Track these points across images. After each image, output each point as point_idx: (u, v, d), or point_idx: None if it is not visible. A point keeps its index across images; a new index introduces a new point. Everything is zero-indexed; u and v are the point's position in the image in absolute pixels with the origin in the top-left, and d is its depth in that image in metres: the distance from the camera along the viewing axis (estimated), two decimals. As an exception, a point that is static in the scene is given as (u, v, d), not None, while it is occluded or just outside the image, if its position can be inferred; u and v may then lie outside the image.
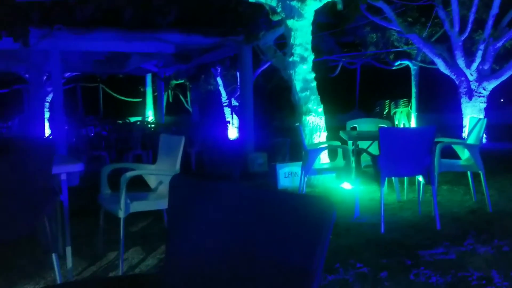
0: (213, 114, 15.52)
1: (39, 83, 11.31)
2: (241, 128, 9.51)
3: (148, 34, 8.13)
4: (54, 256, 2.40)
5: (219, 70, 13.84)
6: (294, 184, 6.00)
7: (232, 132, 13.64)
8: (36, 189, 2.31)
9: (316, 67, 6.62)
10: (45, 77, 12.55)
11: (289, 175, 6.02)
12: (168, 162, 3.68)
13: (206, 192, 1.33)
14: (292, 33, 6.29)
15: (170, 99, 19.63)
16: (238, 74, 13.54)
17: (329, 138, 6.45)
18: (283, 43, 7.33)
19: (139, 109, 19.86)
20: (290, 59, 6.31)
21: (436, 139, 4.27)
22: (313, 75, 6.40)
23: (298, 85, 6.33)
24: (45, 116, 13.32)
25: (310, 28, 6.35)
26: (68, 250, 3.00)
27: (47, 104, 14.41)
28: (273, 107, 14.40)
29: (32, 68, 11.10)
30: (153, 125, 11.38)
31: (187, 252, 1.31)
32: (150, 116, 16.13)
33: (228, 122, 13.71)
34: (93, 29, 7.55)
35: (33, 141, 5.11)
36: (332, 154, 5.99)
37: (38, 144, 4.25)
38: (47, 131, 12.09)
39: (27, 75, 13.13)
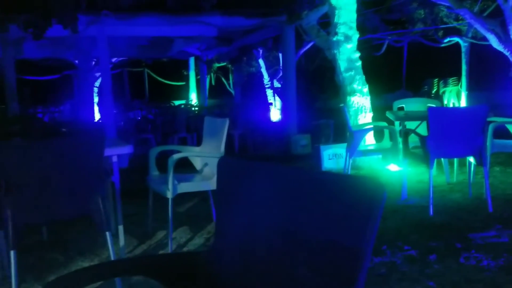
0: (255, 96, 15.52)
1: (88, 69, 11.68)
2: (283, 110, 9.47)
3: (190, 18, 8.19)
4: (108, 234, 2.50)
5: (261, 52, 13.77)
6: (338, 166, 5.95)
7: (274, 114, 13.62)
8: (90, 170, 2.41)
9: (360, 46, 6.47)
10: (93, 63, 12.94)
11: (333, 157, 5.97)
12: (213, 144, 3.73)
13: (254, 173, 1.34)
14: (336, 11, 6.15)
15: (213, 82, 19.80)
16: (280, 55, 13.46)
17: (374, 119, 6.32)
18: (326, 22, 7.19)
19: (183, 92, 20.16)
20: (334, 39, 6.19)
21: (488, 119, 4.09)
22: (358, 54, 6.26)
23: (342, 65, 6.21)
24: (94, 101, 13.75)
25: (355, 6, 6.19)
26: (120, 229, 3.12)
27: (95, 89, 14.86)
28: (315, 88, 14.22)
29: (80, 54, 11.45)
30: (196, 108, 11.53)
31: (236, 232, 1.34)
32: (193, 99, 16.35)
33: (271, 104, 13.68)
34: (138, 14, 7.68)
35: (85, 124, 5.32)
36: (378, 135, 5.88)
37: (91, 128, 4.41)
38: (97, 115, 12.50)
39: (76, 61, 13.59)
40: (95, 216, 2.47)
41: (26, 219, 2.33)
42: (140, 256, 2.88)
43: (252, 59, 14.77)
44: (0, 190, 2.48)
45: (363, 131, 5.29)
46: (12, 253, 2.25)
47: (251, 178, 1.35)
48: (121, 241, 3.14)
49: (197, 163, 3.93)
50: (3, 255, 2.76)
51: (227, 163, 1.39)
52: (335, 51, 6.24)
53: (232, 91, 19.72)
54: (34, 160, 2.27)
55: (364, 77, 6.26)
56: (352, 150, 4.91)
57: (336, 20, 6.17)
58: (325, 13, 7.00)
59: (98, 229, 2.50)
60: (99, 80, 15.39)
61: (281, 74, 13.55)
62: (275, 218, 1.27)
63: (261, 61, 14.18)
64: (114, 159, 3.07)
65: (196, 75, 16.75)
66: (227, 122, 3.59)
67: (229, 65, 17.61)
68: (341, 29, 6.15)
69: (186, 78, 17.92)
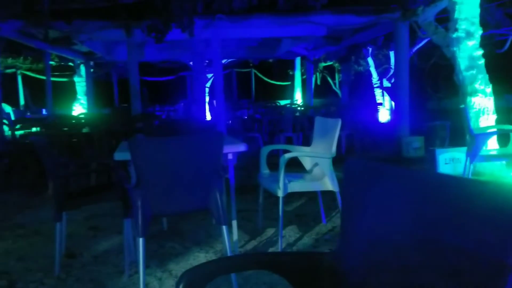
0: (363, 96, 15.13)
1: (201, 70, 12.30)
2: (394, 110, 9.09)
3: (300, 18, 8.21)
4: (224, 228, 2.60)
5: (370, 50, 13.39)
6: (456, 171, 5.55)
7: (384, 115, 13.16)
8: (211, 167, 2.53)
9: (481, 43, 5.97)
10: (205, 64, 13.61)
11: (450, 162, 5.59)
12: (324, 145, 3.70)
13: (382, 175, 1.30)
14: (457, 6, 5.75)
15: (318, 82, 19.70)
16: (391, 53, 12.95)
17: (498, 121, 5.80)
18: (444, 18, 6.76)
19: (288, 92, 20.36)
20: (454, 35, 5.79)
21: None
22: (480, 51, 5.79)
23: (462, 63, 5.79)
24: (206, 100, 14.44)
25: (478, 0, 5.73)
26: (234, 223, 3.24)
27: (207, 90, 15.61)
28: (429, 87, 13.45)
29: (195, 56, 12.10)
30: (302, 108, 11.56)
31: (361, 235, 1.30)
32: (298, 99, 16.42)
33: (380, 104, 13.24)
34: (250, 16, 7.90)
35: (201, 123, 5.62)
36: (503, 139, 5.38)
37: (206, 126, 4.63)
38: (208, 114, 13.11)
39: (191, 63, 14.39)
40: (214, 210, 2.59)
41: (153, 210, 2.51)
42: (269, 252, 2.96)
43: (360, 57, 14.42)
44: (128, 182, 2.71)
45: (486, 135, 4.88)
46: (140, 240, 2.45)
47: (379, 181, 1.31)
48: (235, 235, 3.26)
49: (307, 163, 3.93)
50: (130, 242, 3.01)
51: (354, 165, 1.37)
52: (455, 49, 5.83)
53: (338, 91, 19.45)
54: (163, 156, 2.44)
55: (487, 76, 5.78)
56: (473, 154, 4.56)
57: (456, 15, 5.77)
58: (444, 8, 6.59)
59: (216, 223, 2.61)
60: (209, 81, 16.17)
61: (391, 73, 13.06)
62: (404, 223, 1.22)
63: (370, 60, 13.79)
64: (230, 156, 3.19)
65: (302, 74, 16.81)
66: (339, 123, 3.54)
67: (336, 64, 17.39)
68: (462, 25, 5.74)
69: (291, 78, 18.07)
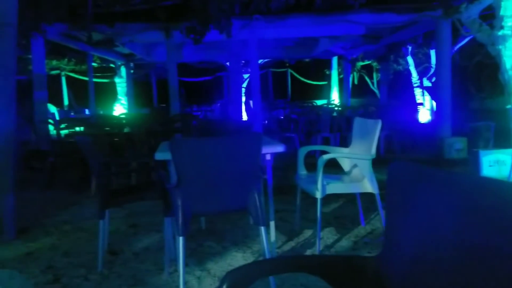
0: (402, 95, 14.81)
1: (237, 70, 12.38)
2: (436, 110, 8.86)
3: (338, 17, 8.14)
4: (262, 229, 2.60)
5: (410, 49, 13.09)
6: (500, 174, 5.35)
7: (424, 115, 12.84)
8: (250, 167, 2.54)
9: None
10: (241, 64, 13.69)
11: (494, 164, 5.39)
12: (363, 146, 3.64)
13: (429, 179, 1.27)
14: (502, 3, 5.53)
15: (356, 81, 19.45)
16: (431, 52, 12.63)
17: (547, 122, 5.54)
18: (488, 15, 6.53)
19: (324, 92, 20.20)
20: (500, 33, 5.58)
21: None
22: (528, 49, 5.56)
23: (508, 61, 5.57)
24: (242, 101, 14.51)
25: (525, -5, 5.50)
26: (272, 224, 3.24)
27: (243, 90, 15.69)
28: (471, 87, 13.03)
29: (231, 56, 12.19)
30: (339, 108, 11.44)
31: (407, 240, 1.28)
32: (335, 99, 16.26)
33: (420, 104, 12.92)
34: (287, 16, 7.89)
35: (238, 123, 5.65)
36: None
37: (248, 127, 4.65)
38: (244, 114, 13.17)
39: (227, 63, 14.51)
40: (252, 211, 2.60)
41: (193, 209, 2.55)
42: (313, 256, 2.95)
43: (400, 56, 14.13)
44: (168, 182, 2.76)
45: (534, 136, 4.68)
46: (180, 239, 2.49)
47: (425, 184, 1.28)
48: (272, 236, 3.26)
49: (346, 164, 3.88)
50: (170, 240, 3.07)
51: (399, 168, 1.34)
52: (500, 47, 5.62)
53: (376, 90, 19.13)
54: (203, 156, 2.47)
55: (535, 75, 5.53)
56: (520, 156, 4.38)
57: (502, 12, 5.55)
58: (489, 5, 6.36)
59: (254, 223, 2.62)
60: (246, 81, 16.25)
61: (431, 72, 12.73)
62: (451, 228, 1.18)
63: (409, 59, 13.49)
64: (268, 157, 3.20)
65: (339, 74, 16.63)
66: (379, 124, 3.47)
67: (374, 64, 17.11)
68: (508, 22, 5.52)
69: (328, 78, 17.91)
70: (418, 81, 13.65)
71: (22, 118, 8.02)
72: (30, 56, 8.80)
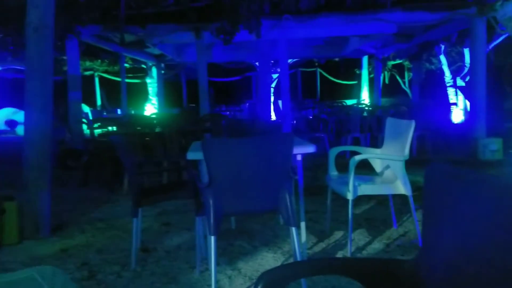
0: (435, 95, 14.50)
1: (266, 70, 12.39)
2: (470, 110, 8.63)
3: (369, 16, 8.04)
4: (294, 229, 2.60)
5: (442, 48, 12.81)
6: (539, 176, 5.18)
7: (457, 115, 12.53)
8: (281, 168, 2.54)
9: None
10: (270, 64, 13.69)
11: (533, 165, 5.22)
12: (396, 147, 3.58)
13: (468, 182, 1.24)
14: (542, -1, 5.36)
15: (386, 81, 19.17)
16: (465, 50, 12.32)
17: None
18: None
19: (354, 91, 19.98)
20: (539, 30, 5.40)
21: None
22: None
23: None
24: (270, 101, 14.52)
25: None
26: (302, 225, 3.23)
27: (271, 90, 15.69)
28: (507, 86, 12.63)
29: (261, 56, 12.21)
30: (370, 108, 11.29)
31: (444, 245, 1.25)
32: (365, 98, 16.06)
33: (453, 103, 12.63)
34: (317, 15, 7.85)
35: (267, 123, 5.67)
36: None
37: (277, 127, 4.65)
38: (272, 114, 13.17)
39: (256, 63, 14.54)
40: (283, 212, 2.60)
41: (224, 209, 2.57)
42: (348, 258, 2.93)
43: (432, 55, 13.84)
44: (199, 181, 2.79)
45: None
46: (212, 238, 2.51)
47: (464, 187, 1.25)
48: (303, 237, 3.25)
49: (378, 165, 3.83)
50: (201, 239, 3.10)
51: (436, 170, 1.31)
52: (540, 44, 5.44)
53: (408, 90, 18.80)
54: (235, 156, 2.49)
55: None
56: (560, 158, 4.22)
57: (541, 8, 5.37)
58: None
59: (285, 224, 2.62)
60: (274, 81, 16.24)
61: (465, 71, 12.42)
62: (491, 233, 1.15)
63: (442, 58, 13.21)
64: (298, 157, 3.19)
65: (369, 73, 16.43)
66: (413, 124, 3.41)
67: (406, 63, 16.82)
68: (548, 19, 5.34)
69: (358, 77, 17.72)
70: (451, 81, 13.35)
71: (57, 118, 8.25)
72: (65, 57, 9.05)
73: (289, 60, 15.81)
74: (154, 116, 9.98)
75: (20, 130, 14.55)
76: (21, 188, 3.95)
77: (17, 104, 15.29)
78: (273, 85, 16.20)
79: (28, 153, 3.94)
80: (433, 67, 15.14)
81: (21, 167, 3.97)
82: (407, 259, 1.27)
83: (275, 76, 16.04)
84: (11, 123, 15.56)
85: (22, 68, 13.99)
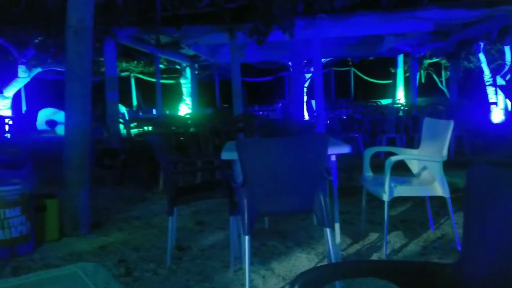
0: (474, 94, 14.08)
1: (299, 70, 12.34)
2: (511, 110, 8.34)
3: (405, 14, 7.89)
4: (328, 230, 2.58)
5: (482, 45, 12.42)
6: None
7: (497, 115, 12.12)
8: (315, 168, 2.53)
9: None
10: (303, 64, 13.63)
11: None
12: (433, 148, 3.50)
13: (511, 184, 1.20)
14: None
15: (423, 80, 18.76)
16: (505, 48, 11.91)
17: None
18: None
19: (388, 91, 19.65)
20: None
21: None
22: None
23: None
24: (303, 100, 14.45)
25: None
26: (337, 226, 3.20)
27: (304, 89, 15.61)
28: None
29: (294, 56, 12.17)
30: (405, 107, 11.06)
31: (489, 247, 1.21)
32: (400, 98, 15.76)
33: (494, 103, 12.22)
34: (352, 14, 7.76)
35: (301, 123, 5.64)
36: None
37: (311, 127, 4.63)
38: (305, 114, 13.11)
39: (289, 63, 14.51)
40: (318, 212, 2.58)
41: (259, 209, 2.58)
42: (386, 260, 2.90)
43: (471, 53, 13.45)
44: (233, 181, 2.80)
45: None
46: (246, 238, 2.52)
47: (507, 189, 1.21)
48: (337, 238, 3.22)
49: (414, 166, 3.75)
50: (235, 239, 3.11)
51: (479, 172, 1.28)
52: None
53: (445, 89, 18.34)
54: (269, 157, 2.49)
55: None
56: None
57: None
58: None
59: (320, 225, 2.60)
60: (307, 81, 16.15)
61: (506, 69, 12.00)
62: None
63: (481, 56, 12.81)
64: (333, 158, 3.16)
65: (405, 72, 16.12)
66: (451, 125, 3.32)
67: (443, 61, 16.41)
68: None
69: (393, 76, 17.41)
70: (491, 79, 12.93)
71: (95, 118, 8.48)
72: (102, 59, 9.29)
73: (323, 60, 15.69)
74: (188, 116, 10.11)
75: (59, 129, 15.05)
76: (61, 186, 4.08)
77: (56, 104, 15.82)
78: (306, 84, 16.12)
79: (69, 153, 4.06)
80: (471, 65, 14.71)
81: (61, 165, 4.10)
82: (448, 263, 1.24)
83: (308, 75, 15.95)
84: (51, 123, 16.10)
85: (61, 69, 14.47)
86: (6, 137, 11.88)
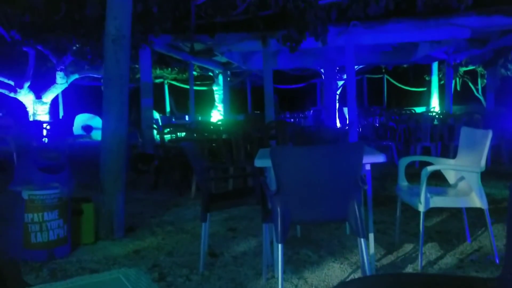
0: (511, 102, 13.64)
1: (332, 77, 12.27)
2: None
3: (441, 21, 7.74)
4: (362, 240, 2.55)
5: (521, 53, 12.03)
6: None
7: (537, 124, 11.69)
8: (350, 177, 2.51)
9: None
10: (336, 71, 13.54)
11: None
12: (471, 158, 3.42)
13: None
14: None
15: (458, 87, 18.32)
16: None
17: None
18: None
19: (422, 98, 19.26)
20: None
21: None
22: None
23: None
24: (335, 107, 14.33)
25: None
26: (371, 236, 3.15)
27: (337, 96, 15.49)
28: None
29: (326, 63, 12.12)
30: (441, 116, 10.81)
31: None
32: (435, 106, 15.43)
33: (533, 112, 11.79)
34: (386, 21, 7.67)
35: (334, 131, 5.62)
36: None
37: (344, 135, 4.60)
38: (337, 122, 13.00)
39: (322, 70, 14.44)
40: (352, 222, 2.56)
41: (292, 217, 2.57)
42: (425, 274, 2.85)
43: (509, 61, 13.05)
44: (266, 188, 2.81)
45: None
46: (279, 246, 2.52)
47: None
48: (371, 248, 3.17)
49: (451, 176, 3.67)
50: (267, 246, 3.11)
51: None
52: None
53: (481, 97, 17.85)
54: (304, 164, 2.49)
55: None
56: None
57: None
58: None
59: (354, 234, 2.57)
60: (340, 88, 16.03)
61: (547, 77, 11.58)
62: None
63: (520, 63, 12.39)
64: (368, 167, 3.12)
65: (439, 80, 15.78)
66: (490, 135, 3.24)
67: (479, 69, 15.99)
68: None
69: (427, 84, 17.08)
70: (531, 87, 12.49)
71: (130, 123, 8.67)
72: (137, 66, 9.49)
73: (356, 67, 15.54)
74: (220, 122, 10.19)
75: (95, 134, 15.44)
76: (97, 190, 4.18)
77: (92, 110, 16.25)
78: (338, 91, 16.00)
79: (105, 158, 4.17)
80: (509, 73, 14.26)
81: (96, 170, 4.21)
82: (490, 277, 1.21)
83: (340, 82, 15.84)
84: (87, 128, 16.55)
85: (97, 76, 14.87)
86: (44, 141, 12.28)
